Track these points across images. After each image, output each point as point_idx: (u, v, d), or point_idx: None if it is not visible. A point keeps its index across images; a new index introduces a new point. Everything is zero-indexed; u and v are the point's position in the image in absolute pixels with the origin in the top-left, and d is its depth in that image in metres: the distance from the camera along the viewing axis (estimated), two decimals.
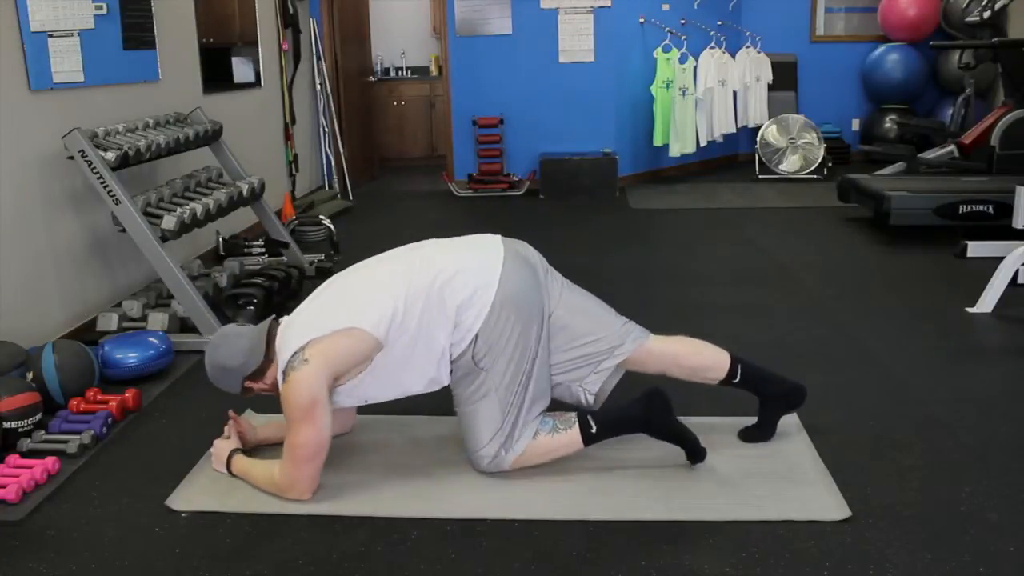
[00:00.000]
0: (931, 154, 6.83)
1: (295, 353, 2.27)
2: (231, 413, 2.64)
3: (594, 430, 2.41)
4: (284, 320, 2.47)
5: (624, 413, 2.45)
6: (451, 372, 2.39)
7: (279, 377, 2.34)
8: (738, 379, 2.59)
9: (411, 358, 2.34)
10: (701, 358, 2.61)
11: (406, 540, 2.17)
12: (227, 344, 2.46)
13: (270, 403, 2.88)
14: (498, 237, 2.53)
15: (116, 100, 4.14)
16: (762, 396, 2.61)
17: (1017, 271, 3.98)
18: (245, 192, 4.44)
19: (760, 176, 7.87)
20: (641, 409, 2.43)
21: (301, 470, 2.31)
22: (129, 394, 3.02)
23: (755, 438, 2.61)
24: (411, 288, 2.33)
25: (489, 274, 2.36)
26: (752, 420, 2.64)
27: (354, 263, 2.56)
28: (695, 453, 2.46)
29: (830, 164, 7.88)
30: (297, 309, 2.48)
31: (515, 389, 2.37)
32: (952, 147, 6.70)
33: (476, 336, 2.32)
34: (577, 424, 2.41)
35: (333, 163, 7.51)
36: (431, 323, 2.32)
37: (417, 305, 2.31)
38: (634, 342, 2.55)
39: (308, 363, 2.25)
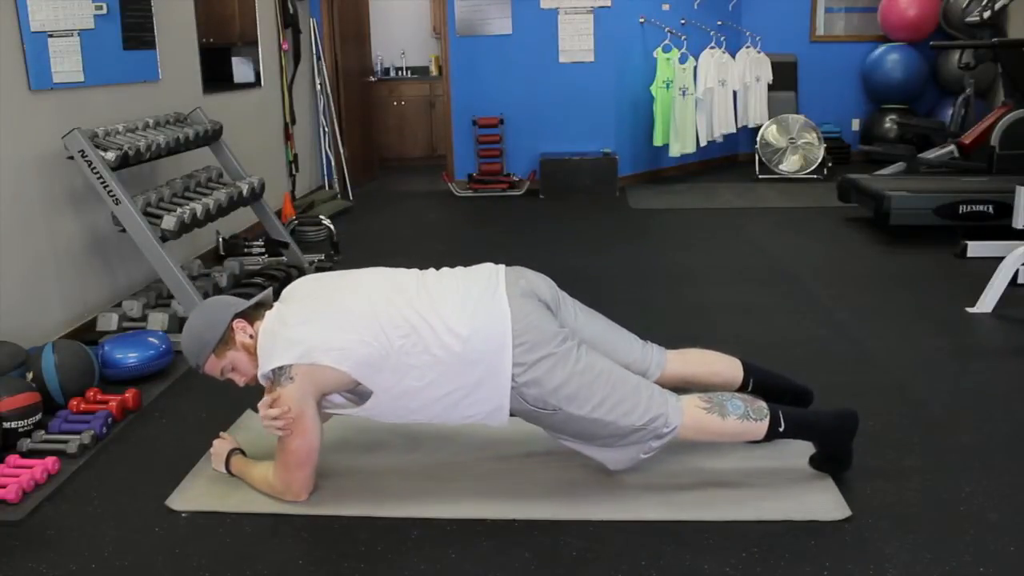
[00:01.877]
0: (931, 154, 6.83)
1: (281, 368, 2.22)
2: (221, 434, 2.59)
3: (782, 429, 2.33)
4: (275, 311, 2.36)
5: (815, 423, 2.39)
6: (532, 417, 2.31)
7: (261, 380, 2.30)
8: (750, 389, 2.59)
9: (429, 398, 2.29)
10: (717, 377, 2.58)
11: (406, 540, 2.17)
12: (225, 301, 2.47)
13: None
14: (501, 276, 2.37)
15: (116, 100, 4.14)
16: (770, 399, 2.61)
17: (1017, 271, 3.98)
18: (245, 192, 4.44)
19: (760, 176, 7.87)
20: (833, 423, 2.37)
21: (293, 474, 2.31)
22: (129, 394, 3.02)
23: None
24: (405, 349, 2.23)
25: (502, 339, 2.23)
26: None
27: (354, 264, 2.54)
28: (828, 467, 2.42)
29: (830, 164, 7.88)
30: (292, 305, 2.38)
31: (599, 386, 2.26)
32: (952, 147, 6.69)
33: (520, 391, 2.25)
34: (768, 419, 2.31)
35: (333, 163, 7.51)
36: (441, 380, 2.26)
37: (411, 366, 2.24)
38: (657, 367, 2.52)
39: (293, 381, 2.21)
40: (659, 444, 2.32)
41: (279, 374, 2.23)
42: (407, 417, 2.38)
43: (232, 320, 2.36)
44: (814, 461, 2.44)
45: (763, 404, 2.36)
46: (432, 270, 2.48)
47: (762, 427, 2.32)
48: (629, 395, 2.28)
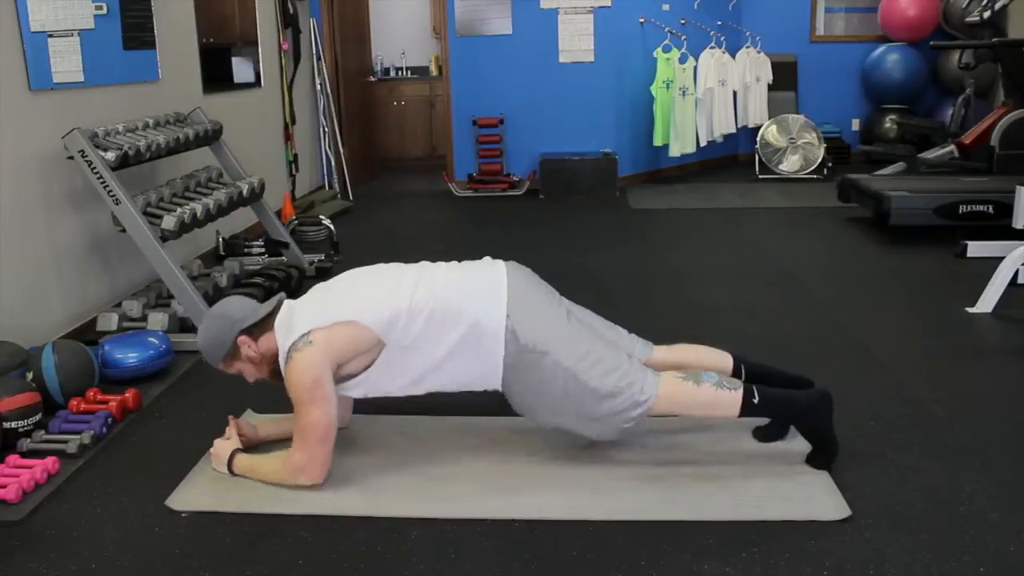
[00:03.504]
0: (931, 154, 6.83)
1: (301, 336, 2.32)
2: (231, 417, 2.64)
3: (756, 401, 2.38)
4: (288, 303, 2.51)
5: (789, 398, 2.44)
6: (513, 371, 2.39)
7: (281, 360, 2.36)
8: (743, 379, 2.58)
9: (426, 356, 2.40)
10: (704, 366, 2.59)
11: (406, 540, 2.17)
12: (236, 300, 2.57)
13: (269, 404, 2.88)
14: (499, 261, 2.57)
15: (116, 100, 4.14)
16: None
17: (1017, 271, 3.98)
18: (245, 192, 4.44)
19: (760, 176, 7.87)
20: (808, 401, 2.42)
21: (314, 451, 2.33)
22: (129, 394, 3.02)
23: (770, 436, 2.60)
24: (418, 300, 2.38)
25: (497, 284, 2.42)
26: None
27: (354, 263, 2.58)
28: (822, 460, 2.45)
29: (830, 164, 7.88)
30: (303, 297, 2.54)
31: (586, 344, 2.39)
32: (952, 147, 6.70)
33: (514, 330, 2.34)
34: (742, 389, 2.38)
35: (333, 163, 7.51)
36: (441, 334, 2.38)
37: (421, 317, 2.36)
38: (640, 356, 2.56)
39: (312, 344, 2.30)
40: (638, 413, 2.37)
41: (299, 340, 2.32)
42: (409, 376, 2.43)
43: (237, 337, 2.46)
44: (810, 458, 2.47)
45: (736, 379, 2.46)
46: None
47: (736, 396, 2.38)
48: (611, 357, 2.39)
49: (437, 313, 2.36)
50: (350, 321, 2.34)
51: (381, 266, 2.57)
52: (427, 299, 2.37)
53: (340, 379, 2.41)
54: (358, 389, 2.47)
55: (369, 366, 2.40)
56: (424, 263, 2.57)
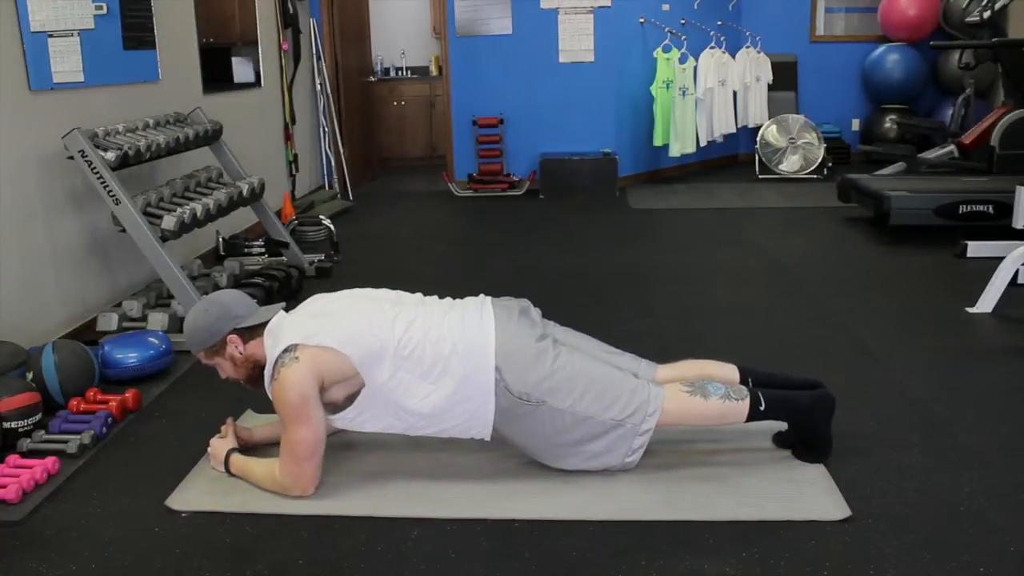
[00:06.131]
0: (931, 154, 6.83)
1: (286, 350, 2.29)
2: (229, 420, 2.64)
3: (763, 408, 2.40)
4: (281, 313, 2.49)
5: (792, 402, 2.45)
6: (505, 425, 2.38)
7: (267, 372, 2.34)
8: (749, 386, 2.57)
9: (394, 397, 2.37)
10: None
11: (406, 540, 2.17)
12: (236, 294, 2.56)
13: (269, 404, 2.88)
14: (487, 298, 2.55)
15: (116, 100, 4.15)
16: None
17: (1017, 271, 3.98)
18: (245, 192, 4.44)
19: (760, 176, 7.87)
20: (809, 403, 2.44)
21: (302, 467, 2.32)
22: (129, 394, 3.02)
23: (789, 443, 2.57)
24: (407, 341, 2.34)
25: (485, 338, 2.36)
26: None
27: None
28: (812, 456, 2.47)
29: (830, 164, 7.88)
30: (297, 309, 2.51)
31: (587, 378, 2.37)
32: (952, 147, 6.70)
33: (505, 384, 2.32)
34: (749, 399, 2.40)
35: (333, 163, 7.51)
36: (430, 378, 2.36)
37: (408, 363, 2.34)
38: (644, 376, 2.53)
39: (298, 360, 2.27)
40: (640, 442, 2.38)
41: (285, 355, 2.29)
42: (395, 420, 2.40)
43: (228, 334, 2.44)
44: (796, 450, 2.50)
45: (743, 386, 2.44)
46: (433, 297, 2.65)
47: (743, 407, 2.40)
48: (609, 387, 2.37)
49: (425, 362, 2.33)
50: (334, 350, 2.30)
51: (381, 296, 2.55)
52: (416, 344, 2.33)
53: (326, 407, 2.38)
54: (347, 423, 2.45)
55: (353, 397, 2.36)
56: (422, 300, 2.55)
